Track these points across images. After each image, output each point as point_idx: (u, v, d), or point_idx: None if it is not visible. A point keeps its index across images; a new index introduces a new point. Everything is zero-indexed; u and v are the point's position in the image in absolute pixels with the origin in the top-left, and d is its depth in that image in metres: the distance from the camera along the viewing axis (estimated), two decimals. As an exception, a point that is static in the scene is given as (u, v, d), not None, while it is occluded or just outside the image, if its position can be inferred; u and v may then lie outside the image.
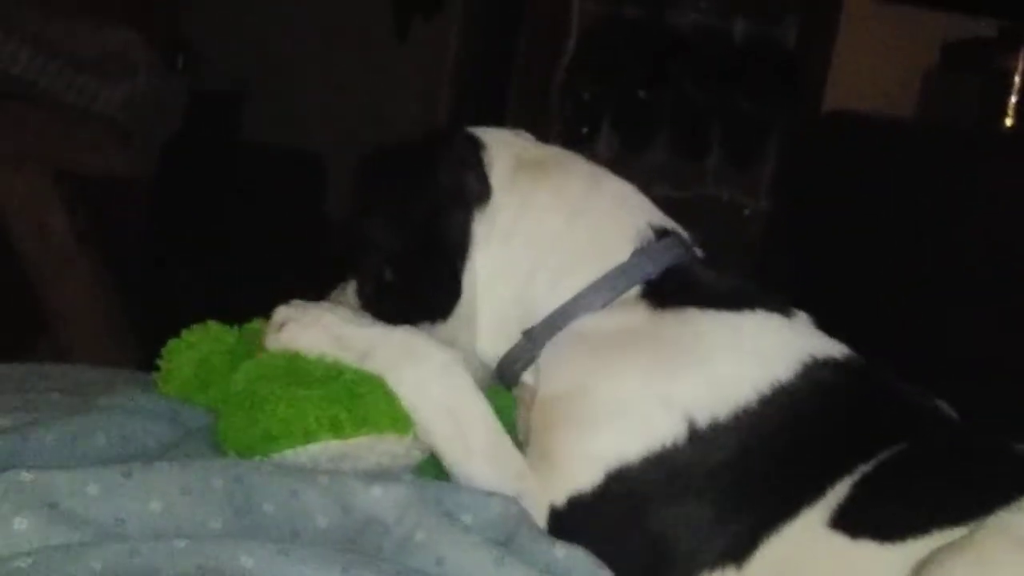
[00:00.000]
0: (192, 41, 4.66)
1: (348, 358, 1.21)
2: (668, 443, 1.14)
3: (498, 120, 3.48)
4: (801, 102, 3.45)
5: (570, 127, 3.41)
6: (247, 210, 4.30)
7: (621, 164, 3.57)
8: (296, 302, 1.28)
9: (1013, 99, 2.99)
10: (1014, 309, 2.61)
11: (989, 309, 2.65)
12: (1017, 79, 3.00)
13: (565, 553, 1.09)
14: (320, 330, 1.23)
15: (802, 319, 1.28)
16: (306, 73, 4.69)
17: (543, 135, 3.64)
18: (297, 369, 1.22)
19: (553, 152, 1.40)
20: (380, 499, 1.10)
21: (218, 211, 4.32)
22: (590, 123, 3.40)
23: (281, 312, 1.27)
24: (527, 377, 1.30)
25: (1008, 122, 3.01)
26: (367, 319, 1.28)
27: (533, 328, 1.28)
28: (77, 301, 3.03)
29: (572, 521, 1.14)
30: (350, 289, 1.37)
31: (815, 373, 1.20)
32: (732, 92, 3.46)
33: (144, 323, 3.09)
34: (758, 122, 3.53)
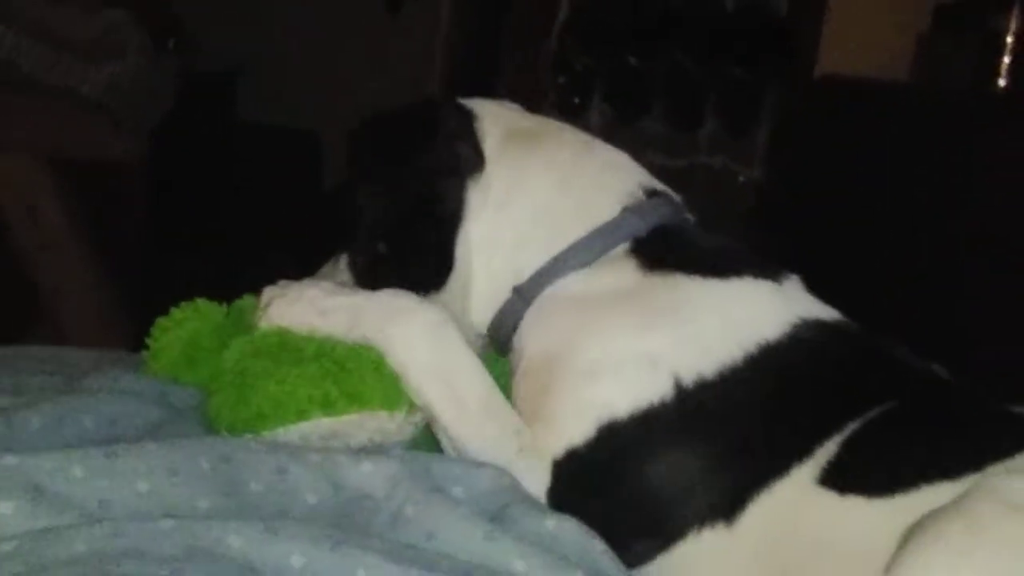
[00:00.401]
0: (184, 22, 4.64)
1: (336, 328, 1.21)
2: (656, 400, 1.15)
3: (491, 93, 3.47)
4: (794, 68, 3.42)
5: (563, 98, 3.38)
6: (243, 190, 4.29)
7: (615, 134, 3.56)
8: (282, 281, 1.28)
9: (1006, 60, 2.97)
10: (1009, 270, 2.60)
11: (984, 271, 2.64)
12: (1010, 40, 2.97)
13: (556, 524, 1.09)
14: (306, 304, 1.23)
15: (793, 283, 1.27)
16: (299, 51, 4.67)
17: (536, 107, 3.62)
18: (289, 346, 1.21)
19: (543, 122, 1.41)
20: (370, 475, 1.10)
21: (214, 192, 4.31)
22: (583, 94, 3.38)
23: (267, 292, 1.27)
24: (518, 341, 1.30)
25: (1001, 83, 2.99)
26: (350, 289, 1.28)
27: (522, 285, 1.29)
28: (70, 286, 3.02)
29: (572, 475, 1.15)
30: (342, 263, 1.37)
31: (804, 334, 1.21)
32: (724, 60, 3.43)
33: (140, 306, 3.08)
34: (751, 89, 3.50)
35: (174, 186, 3.90)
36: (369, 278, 1.32)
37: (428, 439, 1.24)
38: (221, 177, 4.27)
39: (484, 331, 1.33)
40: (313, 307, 1.23)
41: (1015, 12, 2.98)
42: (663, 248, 1.26)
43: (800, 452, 1.12)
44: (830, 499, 1.09)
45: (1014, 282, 2.60)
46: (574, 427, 1.16)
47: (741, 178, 3.54)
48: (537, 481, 1.15)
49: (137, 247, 3.52)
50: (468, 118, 1.34)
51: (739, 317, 1.20)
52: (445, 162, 1.31)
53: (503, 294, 1.30)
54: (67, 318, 3.04)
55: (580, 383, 1.18)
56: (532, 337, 1.26)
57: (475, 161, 1.31)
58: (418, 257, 1.32)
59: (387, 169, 1.32)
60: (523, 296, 1.28)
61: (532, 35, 3.41)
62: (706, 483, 1.13)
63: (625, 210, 1.29)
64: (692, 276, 1.23)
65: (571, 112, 3.35)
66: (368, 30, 4.49)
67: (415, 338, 1.19)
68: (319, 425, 1.17)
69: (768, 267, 1.26)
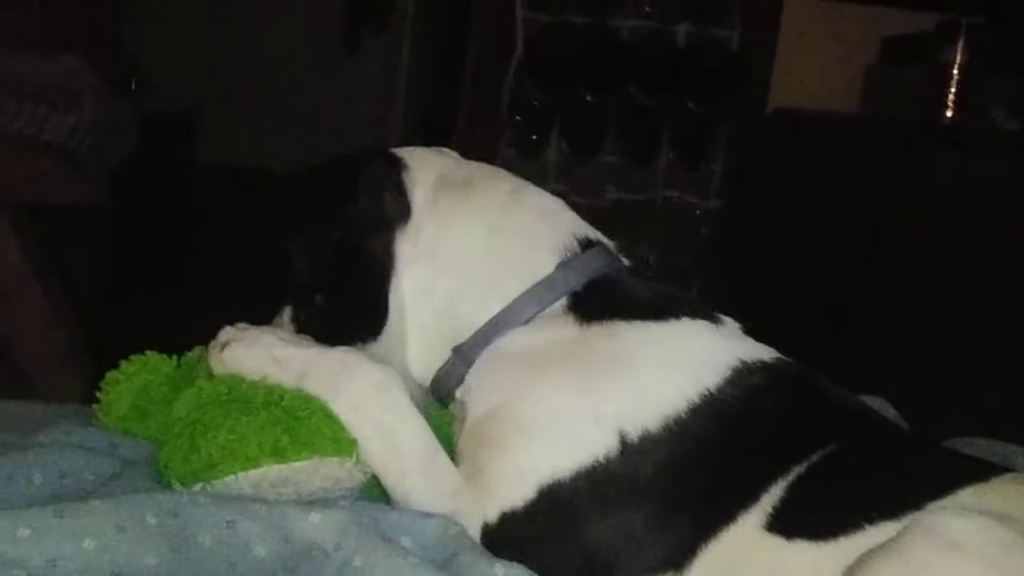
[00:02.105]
0: (145, 63, 4.64)
1: (286, 379, 1.22)
2: (600, 457, 1.15)
3: (450, 131, 3.50)
4: (747, 101, 3.47)
5: (521, 136, 3.41)
6: (203, 231, 4.28)
7: (573, 170, 3.60)
8: (240, 324, 1.29)
9: (952, 91, 3.03)
10: (959, 296, 2.65)
11: (935, 297, 2.69)
12: (955, 71, 3.04)
13: (505, 572, 1.09)
14: (261, 351, 1.24)
15: (730, 325, 1.29)
16: (260, 92, 4.68)
17: (494, 144, 3.62)
18: (238, 395, 1.22)
19: (477, 169, 1.41)
20: (318, 525, 1.10)
21: (176, 233, 4.30)
22: (540, 130, 3.41)
23: (225, 333, 1.28)
24: (460, 394, 1.30)
25: (948, 113, 3.05)
26: (306, 341, 1.29)
27: (462, 345, 1.29)
28: (30, 330, 3.01)
29: (504, 537, 1.15)
30: (286, 316, 1.38)
31: (744, 378, 1.21)
32: (679, 94, 3.47)
33: (100, 349, 3.07)
34: (706, 123, 3.54)
35: (136, 228, 3.90)
36: (310, 329, 1.33)
37: (379, 486, 1.25)
38: (181, 218, 4.27)
39: (423, 381, 1.33)
40: (268, 354, 1.24)
41: (960, 44, 3.05)
42: (600, 301, 1.26)
43: (746, 498, 1.13)
44: (777, 544, 1.10)
45: (961, 304, 2.65)
46: (512, 490, 1.16)
47: (698, 210, 3.58)
48: None
49: (97, 290, 3.51)
50: (396, 168, 1.34)
51: (679, 365, 1.21)
52: (369, 214, 1.31)
53: (439, 343, 1.30)
54: (26, 362, 3.03)
55: (522, 444, 1.18)
56: (476, 396, 1.26)
57: (400, 211, 1.31)
58: (350, 308, 1.32)
59: (313, 223, 1.33)
60: (463, 357, 1.28)
61: (489, 74, 3.45)
62: (655, 535, 1.14)
63: (560, 266, 1.28)
64: (631, 322, 1.24)
65: (529, 148, 3.38)
66: (329, 69, 4.51)
67: (363, 397, 1.20)
68: (270, 473, 1.18)
69: (704, 312, 1.28)
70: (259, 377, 1.23)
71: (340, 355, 1.24)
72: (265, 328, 1.31)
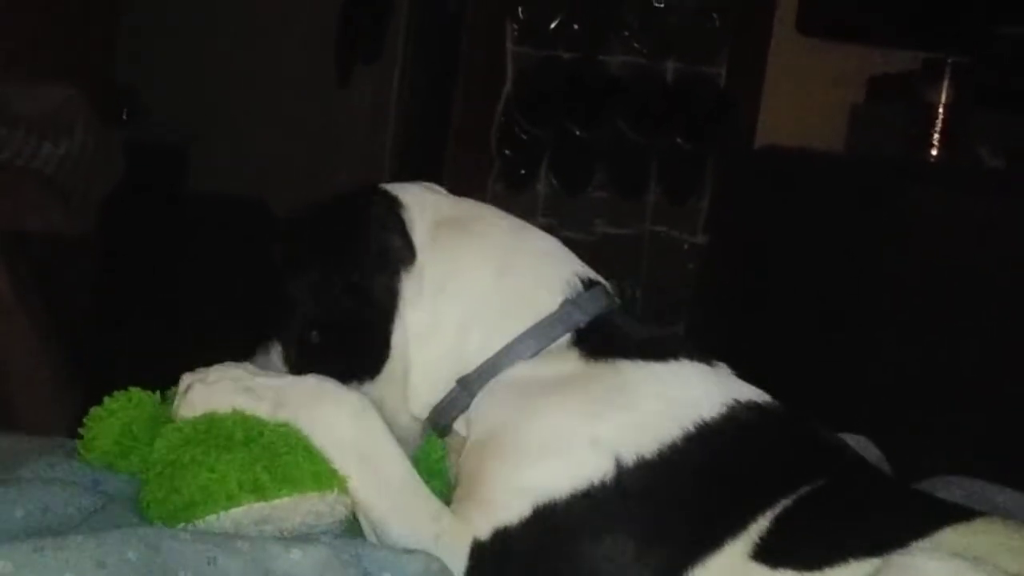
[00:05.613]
0: (137, 92, 4.67)
1: (260, 408, 1.23)
2: (596, 481, 1.17)
3: (439, 165, 3.53)
4: (734, 138, 3.51)
5: (509, 169, 3.43)
6: (194, 261, 4.29)
7: (560, 204, 3.62)
8: (200, 368, 1.29)
9: (937, 130, 3.06)
10: (944, 332, 2.66)
11: (920, 333, 2.70)
12: (941, 110, 3.08)
13: (483, 609, 1.10)
14: (228, 384, 1.25)
15: (723, 368, 1.32)
16: (251, 122, 4.71)
17: (483, 178, 3.64)
18: (218, 432, 1.22)
19: (469, 206, 1.43)
20: (299, 562, 1.10)
21: (166, 263, 4.31)
22: (528, 164, 3.43)
23: (185, 378, 1.28)
24: (459, 425, 1.32)
25: (934, 152, 3.08)
26: (275, 373, 1.30)
27: (467, 376, 1.30)
28: (18, 359, 3.00)
29: (496, 555, 1.16)
30: (274, 353, 1.37)
31: (738, 414, 1.25)
32: (666, 130, 3.51)
33: (88, 381, 3.07)
34: (693, 158, 3.58)
35: (126, 257, 3.90)
36: (304, 367, 1.32)
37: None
38: (172, 248, 4.27)
39: (421, 414, 1.34)
40: (236, 386, 1.25)
41: (945, 83, 3.08)
42: (603, 338, 1.30)
43: (733, 527, 1.15)
44: (762, 573, 1.12)
45: (945, 340, 2.67)
46: (508, 507, 1.17)
47: (685, 245, 3.61)
48: (453, 565, 1.16)
49: (86, 320, 3.51)
50: (396, 207, 1.35)
51: (679, 398, 1.24)
52: (376, 257, 1.32)
53: (445, 382, 1.32)
54: (14, 391, 3.02)
55: (521, 463, 1.20)
56: (479, 421, 1.28)
57: (406, 253, 1.33)
58: (353, 348, 1.33)
59: (318, 266, 1.34)
60: (468, 388, 1.30)
61: (478, 107, 3.47)
62: (643, 559, 1.16)
63: (566, 303, 1.32)
64: (634, 361, 1.27)
65: (518, 183, 3.40)
66: (319, 102, 4.54)
67: (340, 422, 1.21)
68: (251, 510, 1.18)
69: (700, 355, 1.31)
70: (231, 408, 1.23)
71: (314, 381, 1.25)
72: (227, 363, 1.30)
